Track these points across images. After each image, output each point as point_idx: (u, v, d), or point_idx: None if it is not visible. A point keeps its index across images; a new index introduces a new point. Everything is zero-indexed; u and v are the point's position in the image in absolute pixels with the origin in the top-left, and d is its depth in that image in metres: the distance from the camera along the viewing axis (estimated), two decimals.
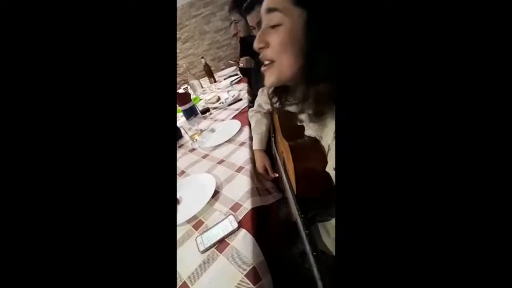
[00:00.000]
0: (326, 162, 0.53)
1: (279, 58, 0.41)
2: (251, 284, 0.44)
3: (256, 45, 0.43)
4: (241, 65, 1.77)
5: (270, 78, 0.44)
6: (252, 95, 1.49)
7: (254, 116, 0.94)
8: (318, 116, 0.46)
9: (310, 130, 0.58)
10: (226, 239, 0.55)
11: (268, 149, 0.89)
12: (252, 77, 1.66)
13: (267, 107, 0.86)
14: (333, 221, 0.66)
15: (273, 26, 0.39)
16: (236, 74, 2.01)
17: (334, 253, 0.61)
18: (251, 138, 0.94)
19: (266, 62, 0.44)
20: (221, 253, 0.52)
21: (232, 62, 2.12)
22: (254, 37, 1.47)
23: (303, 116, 0.57)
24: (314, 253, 0.44)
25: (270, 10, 0.39)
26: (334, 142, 0.46)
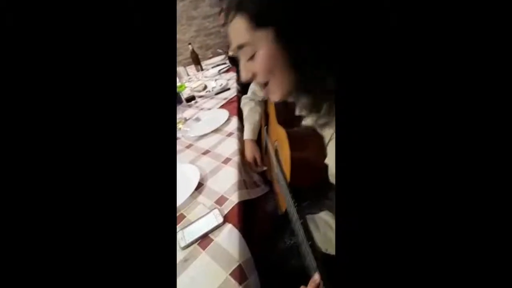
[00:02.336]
0: (323, 153, 0.52)
1: (271, 79, 0.41)
2: (236, 284, 0.41)
3: (244, 78, 0.42)
4: (230, 53, 1.70)
5: (275, 95, 0.43)
6: (241, 85, 1.44)
7: (247, 104, 0.89)
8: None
9: (308, 120, 0.56)
10: (210, 235, 0.51)
11: (258, 140, 0.86)
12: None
13: (261, 95, 0.83)
14: (322, 215, 0.65)
15: (250, 58, 0.39)
16: (225, 63, 1.93)
17: (323, 249, 0.59)
18: (239, 129, 0.90)
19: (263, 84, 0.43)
20: (204, 249, 0.48)
21: (221, 51, 2.04)
22: None
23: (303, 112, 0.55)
24: (309, 242, 0.42)
25: (239, 47, 0.39)
26: None
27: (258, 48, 0.38)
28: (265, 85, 0.43)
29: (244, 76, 0.42)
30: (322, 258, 0.41)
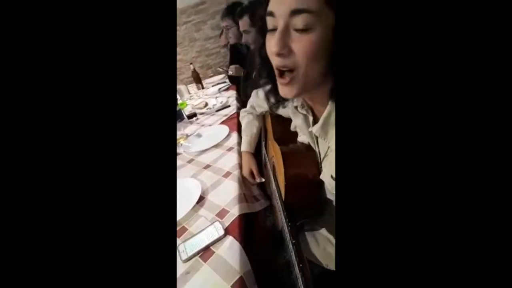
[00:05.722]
0: (318, 170, 0.52)
1: (305, 67, 0.36)
2: None
3: (275, 49, 0.35)
4: (230, 73, 1.77)
5: (293, 90, 0.39)
6: (241, 102, 1.48)
7: (245, 117, 0.89)
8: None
9: (304, 137, 0.57)
10: (211, 247, 0.51)
11: (257, 153, 0.87)
12: (241, 85, 1.65)
13: (260, 110, 0.82)
14: (322, 230, 0.65)
15: (301, 30, 0.34)
16: (225, 82, 2.00)
17: (323, 264, 0.59)
18: (239, 144, 0.92)
19: (284, 69, 0.38)
20: (205, 262, 0.49)
21: (221, 70, 2.11)
22: (243, 45, 1.44)
23: (298, 122, 0.55)
24: (300, 265, 0.42)
25: (297, 11, 0.33)
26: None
27: (317, 25, 0.33)
28: (282, 73, 0.37)
29: (278, 48, 0.35)
30: (315, 280, 0.40)
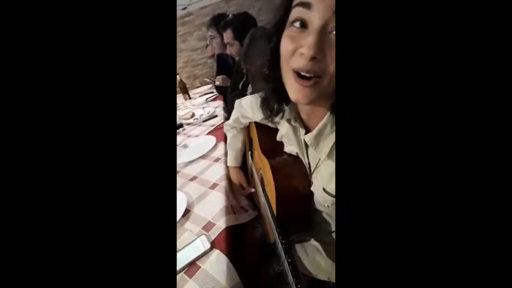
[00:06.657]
0: (307, 182, 0.51)
1: (331, 76, 0.31)
2: None
3: (311, 52, 0.30)
4: (217, 83, 1.77)
5: (312, 95, 0.34)
6: (229, 112, 1.48)
7: (229, 131, 0.87)
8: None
9: (291, 147, 0.56)
10: (197, 262, 0.49)
11: (243, 164, 0.86)
12: (229, 95, 1.66)
13: (245, 121, 0.79)
14: (312, 241, 0.64)
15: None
16: (212, 92, 2.00)
17: (313, 274, 0.58)
18: (226, 154, 0.91)
19: (308, 75, 0.33)
20: (190, 278, 0.47)
21: (208, 80, 2.12)
22: (229, 56, 1.44)
23: (285, 131, 0.54)
24: (299, 286, 0.39)
25: None
26: (330, 157, 0.43)
27: None
28: (301, 76, 0.33)
29: (314, 51, 0.30)
30: None
